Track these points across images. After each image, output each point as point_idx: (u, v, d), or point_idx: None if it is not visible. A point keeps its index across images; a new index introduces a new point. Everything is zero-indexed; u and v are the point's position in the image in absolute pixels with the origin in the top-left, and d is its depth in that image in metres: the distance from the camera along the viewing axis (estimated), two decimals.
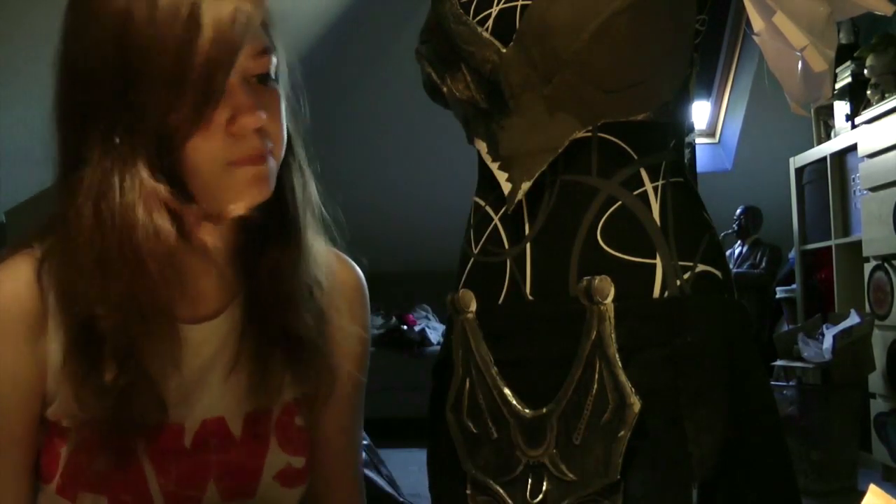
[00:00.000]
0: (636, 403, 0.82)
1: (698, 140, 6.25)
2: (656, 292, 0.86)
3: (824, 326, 3.96)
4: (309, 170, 0.89)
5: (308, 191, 0.88)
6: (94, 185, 0.75)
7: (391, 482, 2.51)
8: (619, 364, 0.83)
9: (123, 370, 0.76)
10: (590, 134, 0.89)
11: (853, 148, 4.12)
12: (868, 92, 4.02)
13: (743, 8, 0.94)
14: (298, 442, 0.89)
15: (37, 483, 0.82)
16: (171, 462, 0.81)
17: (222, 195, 0.77)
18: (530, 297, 0.90)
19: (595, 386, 0.84)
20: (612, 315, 0.84)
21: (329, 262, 0.91)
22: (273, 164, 0.79)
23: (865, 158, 3.94)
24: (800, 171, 4.82)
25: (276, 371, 0.85)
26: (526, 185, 0.90)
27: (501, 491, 0.89)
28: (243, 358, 0.84)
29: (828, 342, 3.76)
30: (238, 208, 0.78)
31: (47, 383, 0.79)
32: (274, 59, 0.81)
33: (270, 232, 0.85)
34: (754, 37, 0.97)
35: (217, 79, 0.73)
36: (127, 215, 0.74)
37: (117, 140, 0.74)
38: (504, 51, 0.90)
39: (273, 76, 0.81)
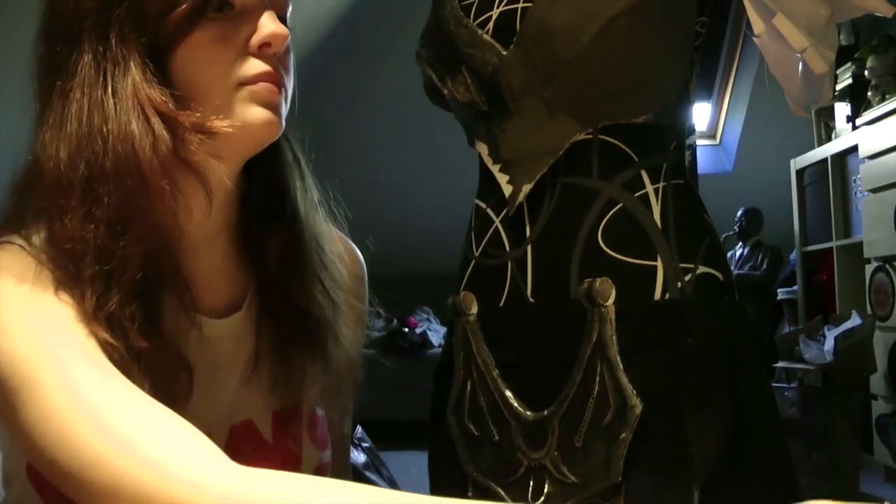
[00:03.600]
0: (638, 405, 0.82)
1: (699, 142, 6.25)
2: (657, 294, 0.86)
3: (825, 328, 3.95)
4: (303, 157, 0.85)
5: (304, 172, 0.84)
6: (84, 95, 0.69)
7: (392, 485, 2.50)
8: (621, 366, 0.83)
9: (143, 333, 0.68)
10: (590, 136, 0.89)
11: (854, 149, 4.12)
12: (869, 93, 4.03)
13: (743, 10, 0.94)
14: (323, 434, 0.86)
15: None
16: None
17: (226, 115, 0.71)
18: (531, 300, 0.90)
19: (596, 388, 0.84)
20: (613, 317, 0.84)
21: (336, 245, 0.88)
22: (283, 106, 0.74)
23: (866, 160, 3.94)
24: (801, 172, 4.82)
25: (298, 365, 0.81)
26: (527, 188, 0.90)
27: (503, 493, 0.89)
28: (263, 354, 0.80)
29: (829, 344, 3.76)
30: (240, 128, 0.71)
31: None
32: (290, 14, 0.77)
33: (273, 219, 0.80)
34: (755, 39, 0.97)
35: None
36: (123, 122, 0.68)
37: (112, 41, 0.69)
38: (504, 53, 0.90)
39: (289, 27, 0.76)
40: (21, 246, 0.70)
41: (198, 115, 0.70)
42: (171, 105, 0.69)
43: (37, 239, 0.70)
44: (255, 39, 0.71)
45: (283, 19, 0.76)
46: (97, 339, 0.65)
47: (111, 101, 0.69)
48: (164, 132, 0.68)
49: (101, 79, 0.69)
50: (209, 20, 0.70)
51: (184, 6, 0.69)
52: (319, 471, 0.84)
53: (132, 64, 0.69)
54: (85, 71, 0.70)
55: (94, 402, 0.60)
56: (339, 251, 0.88)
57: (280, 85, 0.73)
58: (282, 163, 0.82)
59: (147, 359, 0.67)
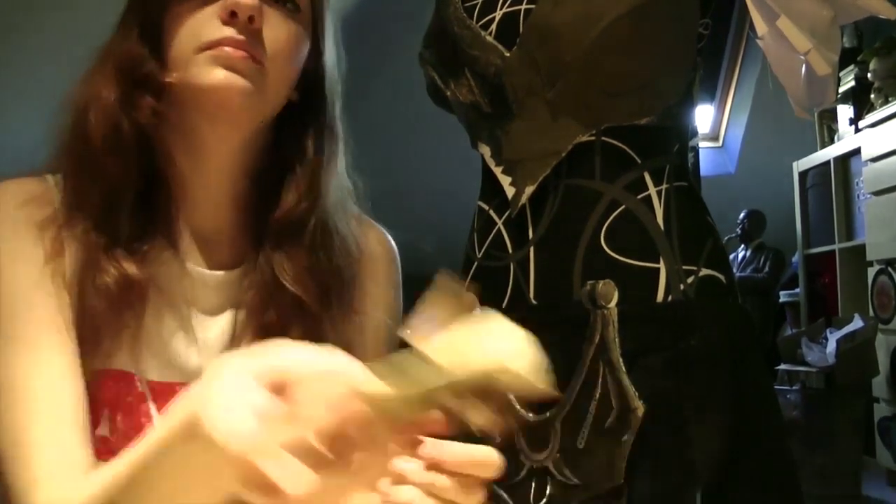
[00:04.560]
0: (640, 408, 0.81)
1: (701, 144, 6.23)
2: (660, 296, 0.85)
3: (828, 331, 3.95)
4: (339, 132, 0.86)
5: (332, 150, 0.85)
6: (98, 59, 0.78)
7: None
8: (623, 368, 0.83)
9: (118, 258, 0.75)
10: (593, 138, 0.89)
11: (857, 152, 4.12)
12: (871, 96, 4.02)
13: (746, 12, 0.95)
14: None
15: None
16: None
17: (187, 80, 0.75)
18: (534, 301, 0.90)
19: (599, 390, 0.84)
20: (615, 319, 0.84)
21: (359, 229, 0.87)
22: (256, 73, 0.76)
23: (869, 162, 3.94)
24: (803, 174, 4.82)
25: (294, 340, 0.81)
26: (530, 190, 0.90)
27: (505, 495, 0.89)
28: (256, 323, 0.80)
29: (831, 346, 3.75)
30: (200, 89, 0.75)
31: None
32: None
33: (286, 186, 0.81)
34: (758, 41, 0.97)
35: None
36: (90, 74, 0.77)
37: (130, 13, 0.78)
38: (508, 55, 0.90)
39: (297, 7, 0.79)
40: (39, 180, 0.79)
41: (150, 68, 0.76)
42: (134, 60, 0.75)
43: (55, 178, 0.79)
44: (220, 7, 0.74)
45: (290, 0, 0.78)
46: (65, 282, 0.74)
47: (95, 61, 0.78)
48: (116, 83, 0.76)
49: (105, 44, 0.79)
50: None
51: None
52: None
53: (126, 29, 0.77)
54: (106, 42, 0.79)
55: (17, 394, 0.69)
56: (365, 235, 0.88)
57: (248, 52, 0.75)
58: (305, 136, 0.84)
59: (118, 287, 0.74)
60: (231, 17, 0.74)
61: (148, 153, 0.77)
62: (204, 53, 0.74)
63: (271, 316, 0.80)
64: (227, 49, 0.74)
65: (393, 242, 0.93)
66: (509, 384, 0.44)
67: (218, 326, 0.81)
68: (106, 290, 0.73)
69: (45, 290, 0.74)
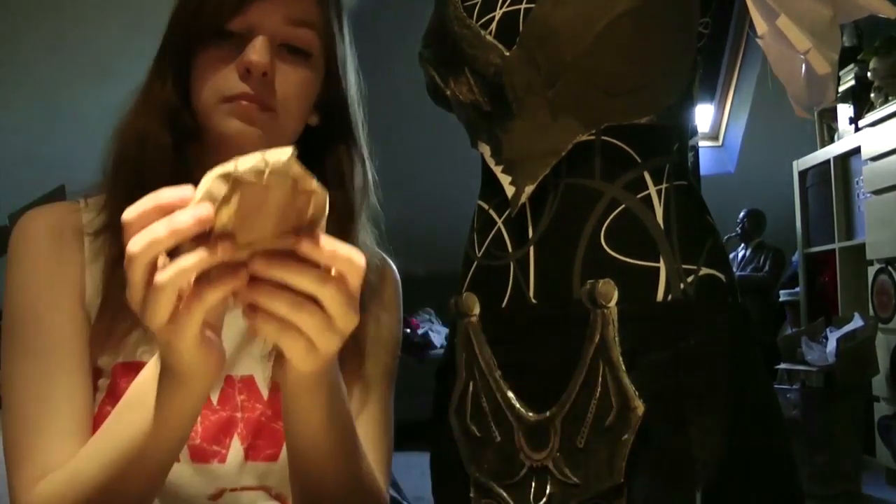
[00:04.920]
0: (640, 407, 0.82)
1: (701, 143, 6.26)
2: (660, 296, 0.85)
3: (828, 330, 3.96)
4: (369, 163, 0.95)
5: (364, 174, 0.94)
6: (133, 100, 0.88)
7: (394, 485, 2.51)
8: (623, 367, 0.83)
9: None
10: (593, 137, 0.89)
11: (857, 151, 4.12)
12: (871, 95, 4.03)
13: (746, 11, 0.95)
14: None
15: None
16: None
17: (210, 127, 0.84)
18: (534, 301, 0.90)
19: (598, 389, 0.84)
20: (615, 318, 0.84)
21: (374, 256, 0.95)
22: (268, 120, 0.84)
23: (869, 161, 3.94)
24: (803, 174, 4.82)
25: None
26: (529, 189, 0.90)
27: (505, 494, 0.89)
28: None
29: (831, 345, 3.76)
30: (219, 136, 0.84)
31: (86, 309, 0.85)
32: (316, 39, 0.87)
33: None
34: (758, 40, 0.97)
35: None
36: (135, 114, 0.87)
37: (166, 58, 0.87)
38: (507, 54, 0.90)
39: (308, 53, 0.87)
40: (69, 204, 0.89)
41: (189, 116, 0.85)
42: (176, 108, 0.84)
43: (89, 201, 0.89)
44: (238, 63, 0.83)
45: (293, 48, 0.86)
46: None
47: (138, 101, 0.87)
48: (165, 127, 0.84)
49: (145, 85, 0.88)
50: (215, 46, 0.84)
51: (191, 31, 0.84)
52: None
53: (161, 74, 0.86)
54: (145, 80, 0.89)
55: (26, 403, 0.79)
56: (377, 263, 0.96)
57: (262, 104, 0.83)
58: (341, 168, 0.92)
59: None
60: (247, 73, 0.82)
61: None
62: (223, 105, 0.83)
63: None
64: (243, 103, 0.83)
65: (397, 272, 1.03)
66: (275, 168, 0.55)
67: (241, 320, 0.85)
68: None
69: (60, 312, 0.83)
